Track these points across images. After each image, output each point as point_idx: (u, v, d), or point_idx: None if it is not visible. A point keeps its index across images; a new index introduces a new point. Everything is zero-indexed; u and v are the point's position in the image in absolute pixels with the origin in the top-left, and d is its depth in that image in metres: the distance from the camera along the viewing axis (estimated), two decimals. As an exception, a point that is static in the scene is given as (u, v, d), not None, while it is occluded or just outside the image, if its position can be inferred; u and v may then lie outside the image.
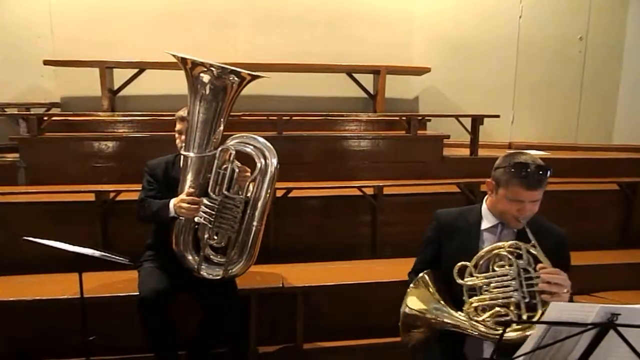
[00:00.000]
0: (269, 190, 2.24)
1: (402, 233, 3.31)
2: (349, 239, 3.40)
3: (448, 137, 4.15)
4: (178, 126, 2.47)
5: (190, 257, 2.29)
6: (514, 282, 1.55)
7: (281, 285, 2.74)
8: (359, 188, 3.40)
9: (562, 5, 4.93)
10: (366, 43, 4.70)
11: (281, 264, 3.03)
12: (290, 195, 3.27)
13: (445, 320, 1.66)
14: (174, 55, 2.16)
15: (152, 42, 4.26)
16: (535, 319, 1.50)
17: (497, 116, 4.19)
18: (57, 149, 3.54)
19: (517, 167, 1.58)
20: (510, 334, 1.52)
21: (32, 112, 4.10)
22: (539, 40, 4.96)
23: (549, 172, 1.60)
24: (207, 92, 2.18)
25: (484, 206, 1.78)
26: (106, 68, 4.17)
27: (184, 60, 2.16)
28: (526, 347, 1.35)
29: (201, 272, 2.28)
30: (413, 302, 1.72)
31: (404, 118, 4.19)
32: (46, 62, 4.12)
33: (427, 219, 1.96)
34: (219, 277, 2.28)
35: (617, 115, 4.98)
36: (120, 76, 4.35)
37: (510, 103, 5.10)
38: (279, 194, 3.23)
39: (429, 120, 4.77)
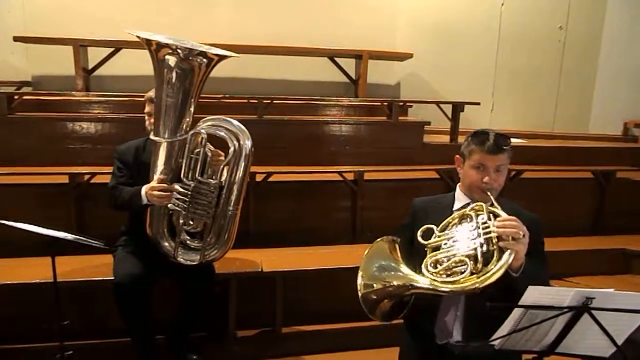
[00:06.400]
0: (244, 174, 2.18)
1: (382, 218, 3.33)
2: (329, 224, 3.40)
3: (429, 123, 4.16)
4: (147, 108, 2.38)
5: (166, 243, 2.25)
6: (474, 232, 1.57)
7: (260, 269, 2.73)
8: (339, 173, 3.40)
9: (543, -6, 4.97)
10: (349, 27, 4.64)
11: (261, 248, 3.01)
12: (270, 179, 3.24)
13: (393, 280, 1.66)
14: (137, 36, 2.02)
15: (129, 20, 4.12)
16: (491, 268, 1.47)
17: (478, 103, 4.22)
18: (28, 130, 3.42)
19: (476, 135, 1.73)
20: (465, 284, 1.48)
21: (1, 91, 3.93)
22: (519, 28, 5.00)
23: (508, 139, 1.71)
24: (174, 74, 2.05)
25: (457, 190, 1.88)
26: (80, 46, 4.02)
27: (148, 42, 2.03)
28: (503, 330, 1.37)
29: (178, 258, 2.24)
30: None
31: (385, 104, 4.19)
32: (16, 39, 3.95)
33: (407, 204, 1.98)
34: (196, 263, 2.25)
35: (593, 104, 5.08)
36: (95, 55, 4.20)
37: (490, 91, 5.14)
38: (259, 178, 3.20)
39: (411, 106, 4.78)
